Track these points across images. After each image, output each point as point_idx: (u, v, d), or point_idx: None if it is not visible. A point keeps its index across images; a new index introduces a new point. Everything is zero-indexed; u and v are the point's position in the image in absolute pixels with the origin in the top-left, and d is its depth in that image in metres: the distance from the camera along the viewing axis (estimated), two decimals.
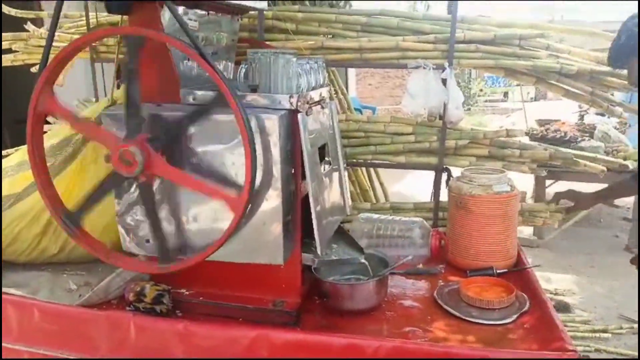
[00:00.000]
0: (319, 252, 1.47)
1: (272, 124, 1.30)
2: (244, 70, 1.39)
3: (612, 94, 2.14)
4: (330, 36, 2.14)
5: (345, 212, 1.85)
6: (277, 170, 1.34)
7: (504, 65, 2.00)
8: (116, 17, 2.29)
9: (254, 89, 1.42)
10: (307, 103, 1.42)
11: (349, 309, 1.51)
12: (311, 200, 1.43)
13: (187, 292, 1.55)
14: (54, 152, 1.64)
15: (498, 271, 1.71)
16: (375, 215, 2.03)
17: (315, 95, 1.52)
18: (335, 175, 1.74)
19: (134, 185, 1.40)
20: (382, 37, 2.07)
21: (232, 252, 1.38)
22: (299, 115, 1.38)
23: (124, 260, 1.40)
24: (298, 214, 1.47)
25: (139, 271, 1.44)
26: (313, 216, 1.44)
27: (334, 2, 3.00)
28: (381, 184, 3.15)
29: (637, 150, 3.80)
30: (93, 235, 1.40)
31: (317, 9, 2.19)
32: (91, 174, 1.67)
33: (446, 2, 2.19)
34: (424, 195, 2.59)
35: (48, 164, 1.37)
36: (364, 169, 2.88)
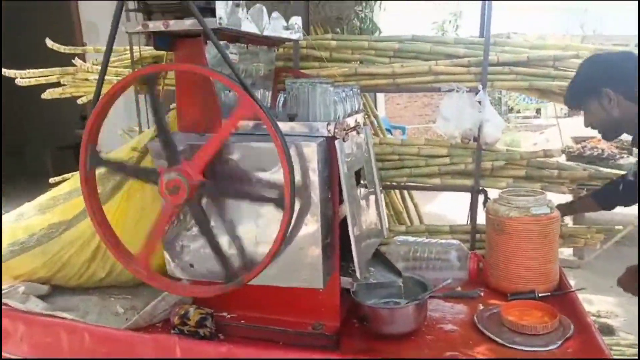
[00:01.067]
0: (358, 275, 1.49)
1: (311, 151, 1.34)
2: (282, 99, 1.44)
3: None
4: (359, 63, 2.19)
5: (383, 234, 1.87)
6: (315, 195, 1.37)
7: (538, 86, 2.00)
8: (161, 52, 2.41)
9: (292, 118, 1.47)
10: (344, 129, 1.46)
11: (389, 333, 1.51)
12: (349, 223, 1.46)
13: (229, 316, 1.59)
14: (102, 179, 1.72)
15: (540, 294, 1.69)
16: (412, 238, 2.03)
17: (351, 121, 1.56)
18: (372, 198, 1.76)
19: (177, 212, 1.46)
20: (414, 62, 2.10)
21: (272, 276, 1.41)
22: (337, 142, 1.41)
23: (177, 286, 1.44)
24: (336, 238, 1.49)
25: (200, 295, 1.48)
26: (352, 239, 1.46)
27: (364, 28, 3.07)
28: (415, 205, 3.15)
29: None
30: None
31: (350, 37, 2.24)
32: (136, 201, 1.75)
33: (477, 20, 2.21)
34: (457, 214, 2.58)
35: (98, 191, 1.44)
36: (397, 191, 2.89)
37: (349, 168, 1.51)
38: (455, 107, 1.98)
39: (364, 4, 3.35)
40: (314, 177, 1.36)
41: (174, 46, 1.46)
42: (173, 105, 1.93)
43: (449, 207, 4.34)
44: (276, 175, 1.34)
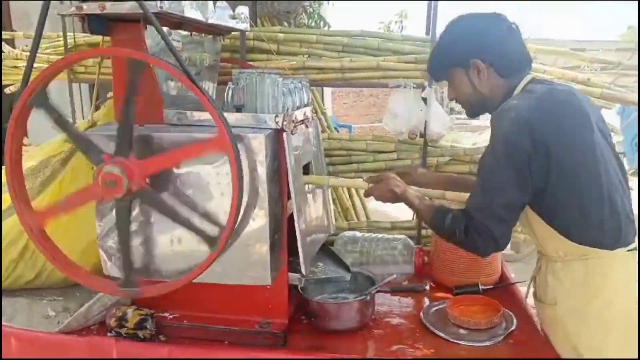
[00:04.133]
0: (303, 271, 1.47)
1: (259, 143, 1.30)
2: (230, 90, 1.39)
3: None
4: (307, 56, 2.16)
5: (329, 230, 1.85)
6: (263, 189, 1.33)
7: None
8: (96, 38, 2.28)
9: (238, 109, 1.42)
10: (293, 122, 1.42)
11: (337, 329, 1.50)
12: (296, 218, 1.43)
13: (171, 316, 1.52)
14: (32, 174, 1.60)
15: (483, 287, 1.73)
16: (359, 233, 2.03)
17: (299, 114, 1.53)
18: (319, 193, 1.74)
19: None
20: (363, 57, 2.09)
21: (217, 274, 1.35)
22: (284, 135, 1.38)
23: (108, 285, 1.35)
24: (284, 233, 1.46)
25: (125, 296, 1.40)
26: (298, 235, 1.43)
27: (311, 24, 3.04)
28: (361, 200, 3.16)
29: None
30: (71, 257, 1.36)
31: (298, 30, 2.20)
32: (83, 180, 1.63)
33: (421, 22, 2.24)
34: (401, 211, 2.60)
35: (27, 186, 1.34)
36: (345, 187, 2.88)
37: (297, 161, 1.48)
38: (403, 104, 1.99)
39: None
40: (262, 170, 1.32)
41: (111, 31, 1.37)
42: (110, 95, 1.83)
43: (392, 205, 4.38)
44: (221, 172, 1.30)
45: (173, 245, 1.39)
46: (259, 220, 1.34)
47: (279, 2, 3.01)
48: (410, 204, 1.47)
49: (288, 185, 1.41)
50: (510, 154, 1.23)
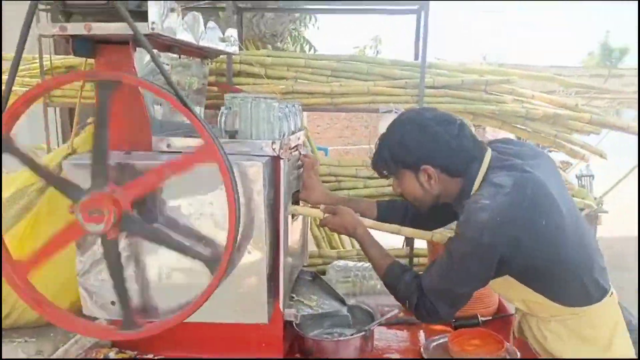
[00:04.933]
0: (281, 306, 1.38)
1: (257, 171, 1.22)
2: (224, 115, 1.32)
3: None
4: (295, 80, 2.11)
5: (304, 260, 1.78)
6: (260, 220, 1.25)
7: (471, 110, 2.03)
8: (74, 60, 2.18)
9: (232, 135, 1.35)
10: (289, 149, 1.36)
11: None
12: (281, 250, 1.36)
13: (156, 358, 1.41)
14: (6, 204, 1.47)
15: (482, 319, 1.67)
16: (351, 263, 1.97)
17: (294, 140, 1.47)
18: (299, 221, 1.66)
19: (99, 242, 1.27)
20: (353, 82, 2.06)
21: (210, 312, 1.25)
22: (282, 162, 1.31)
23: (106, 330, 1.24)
24: (278, 266, 1.37)
25: (110, 339, 1.28)
26: (281, 269, 1.36)
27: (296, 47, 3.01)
28: None
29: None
30: (47, 296, 1.24)
31: (286, 53, 2.16)
32: (46, 227, 1.51)
33: (395, 47, 2.22)
34: (387, 238, 2.54)
35: None
36: None
37: (289, 190, 1.41)
38: None
39: (298, 22, 3.30)
40: (259, 200, 1.24)
41: (97, 52, 1.29)
42: (90, 120, 1.73)
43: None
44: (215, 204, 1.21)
45: (168, 279, 1.29)
46: (256, 253, 1.26)
47: (265, 24, 2.98)
48: (362, 246, 1.47)
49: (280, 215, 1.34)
50: (481, 255, 1.23)
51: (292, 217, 1.49)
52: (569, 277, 1.28)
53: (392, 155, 1.35)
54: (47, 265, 1.25)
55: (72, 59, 2.21)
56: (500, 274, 1.27)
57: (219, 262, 1.14)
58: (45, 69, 2.09)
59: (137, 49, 1.27)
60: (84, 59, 1.41)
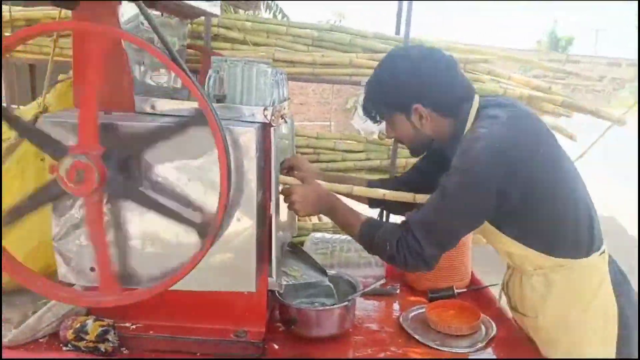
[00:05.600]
0: (274, 276, 1.37)
1: (249, 137, 1.19)
2: (212, 79, 1.26)
3: None
4: (275, 48, 2.05)
5: (294, 231, 1.77)
6: (251, 188, 1.22)
7: None
8: (35, 13, 2.04)
9: (220, 100, 1.30)
10: (280, 116, 1.33)
11: (318, 336, 1.42)
12: (273, 221, 1.33)
13: (134, 326, 1.37)
14: None
15: (457, 291, 1.72)
16: (329, 235, 1.97)
17: (282, 108, 1.43)
18: None
19: (77, 205, 1.21)
20: (335, 52, 2.03)
21: (196, 280, 1.21)
22: (272, 130, 1.28)
23: (70, 293, 1.18)
24: (266, 236, 1.35)
25: (95, 305, 1.23)
26: (273, 238, 1.34)
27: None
28: None
29: None
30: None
31: (268, 19, 2.10)
32: (14, 190, 1.42)
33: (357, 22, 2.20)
34: (363, 211, 2.56)
35: None
36: None
37: (277, 159, 1.39)
38: None
39: None
40: (250, 167, 1.21)
41: (79, 4, 1.20)
42: (62, 76, 1.63)
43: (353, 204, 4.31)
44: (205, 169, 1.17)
45: (152, 246, 1.23)
46: (245, 221, 1.23)
47: None
48: (336, 213, 1.40)
49: (271, 184, 1.32)
50: (477, 185, 1.20)
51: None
52: (561, 220, 1.26)
53: (382, 96, 1.33)
54: (16, 229, 1.18)
55: (32, 12, 2.07)
56: (496, 213, 1.23)
57: (209, 227, 1.10)
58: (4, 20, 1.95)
59: (122, 2, 1.20)
60: (53, 11, 1.33)
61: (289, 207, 1.40)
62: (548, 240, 1.28)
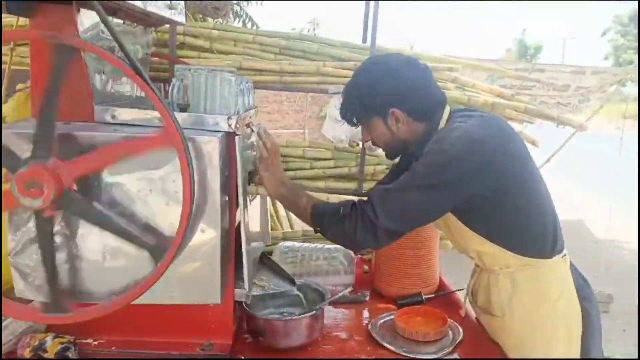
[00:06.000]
0: (246, 287, 1.36)
1: (213, 146, 1.17)
2: (176, 87, 1.25)
3: None
4: (242, 56, 2.04)
5: (266, 240, 1.76)
6: (214, 198, 1.20)
7: None
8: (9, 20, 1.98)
9: (183, 109, 1.29)
10: (245, 125, 1.32)
11: (286, 346, 1.41)
12: (242, 230, 1.32)
13: (96, 342, 1.34)
14: None
15: (425, 297, 1.73)
16: (298, 243, 1.96)
17: (247, 117, 1.42)
18: (257, 201, 1.63)
19: (33, 219, 1.17)
20: (302, 61, 2.03)
21: (159, 293, 1.19)
22: (237, 139, 1.27)
23: (29, 311, 1.14)
24: (232, 245, 1.34)
25: (48, 322, 1.19)
26: (243, 248, 1.32)
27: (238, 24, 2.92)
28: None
29: None
30: None
31: (234, 27, 2.09)
32: None
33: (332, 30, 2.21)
34: None
35: None
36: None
37: (244, 168, 1.37)
38: None
39: None
40: (213, 177, 1.19)
41: (35, 11, 1.17)
42: (20, 86, 1.59)
43: None
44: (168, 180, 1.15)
45: (106, 262, 1.20)
46: (210, 232, 1.21)
47: None
48: (290, 196, 1.40)
49: (237, 193, 1.31)
50: (450, 166, 1.21)
51: (252, 197, 1.46)
52: (529, 219, 1.31)
53: (360, 101, 1.35)
54: None
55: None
56: (468, 210, 1.27)
57: (163, 252, 1.07)
58: None
59: (81, 10, 1.17)
60: (12, 18, 1.29)
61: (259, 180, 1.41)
62: (516, 238, 1.32)
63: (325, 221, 1.33)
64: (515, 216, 1.31)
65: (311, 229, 1.40)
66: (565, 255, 1.39)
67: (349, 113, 1.41)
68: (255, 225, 1.57)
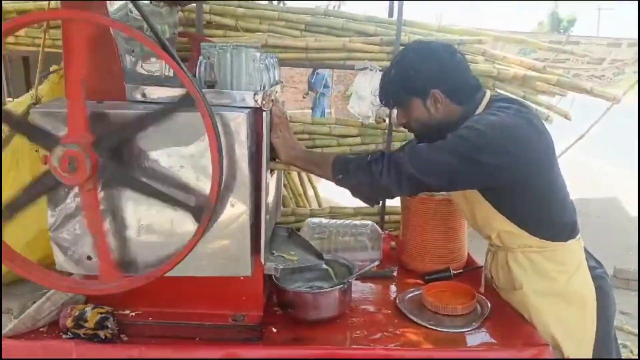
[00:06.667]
0: (262, 260, 1.38)
1: (240, 122, 1.19)
2: (203, 65, 1.26)
3: None
4: (267, 34, 2.04)
5: (278, 216, 1.78)
6: (243, 173, 1.23)
7: None
8: (26, 5, 2.03)
9: (210, 85, 1.30)
10: (271, 101, 1.33)
11: (315, 319, 1.43)
12: (262, 204, 1.34)
13: (133, 314, 1.39)
14: None
15: (454, 272, 1.73)
16: (325, 220, 1.98)
17: (273, 92, 1.43)
18: (275, 177, 1.65)
19: (72, 194, 1.22)
20: (328, 37, 2.02)
21: (192, 266, 1.24)
22: (264, 114, 1.28)
23: (66, 282, 1.19)
24: (260, 220, 1.36)
25: (94, 293, 1.24)
26: (262, 221, 1.34)
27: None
28: (313, 188, 3.10)
29: None
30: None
31: (258, 4, 2.09)
32: (10, 181, 1.44)
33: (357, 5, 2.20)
34: (346, 198, 2.56)
35: None
36: (296, 173, 2.81)
37: (266, 145, 1.39)
38: (369, 86, 1.94)
39: None
40: (241, 152, 1.21)
41: None
42: (54, 67, 1.64)
43: (333, 190, 4.24)
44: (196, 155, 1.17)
45: (147, 232, 1.24)
46: (239, 206, 1.24)
47: None
48: (304, 155, 1.45)
49: (264, 168, 1.33)
50: (479, 142, 1.27)
51: (270, 173, 1.48)
52: (551, 207, 1.40)
53: (403, 83, 1.40)
54: (14, 221, 1.19)
55: (24, 4, 2.06)
56: (496, 191, 1.35)
57: (204, 211, 1.11)
58: None
59: None
60: (44, 1, 1.32)
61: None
62: (538, 223, 1.41)
63: (351, 167, 1.37)
64: (539, 203, 1.38)
65: (339, 205, 1.44)
66: (579, 238, 1.47)
67: (389, 95, 1.46)
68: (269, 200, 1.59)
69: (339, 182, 1.40)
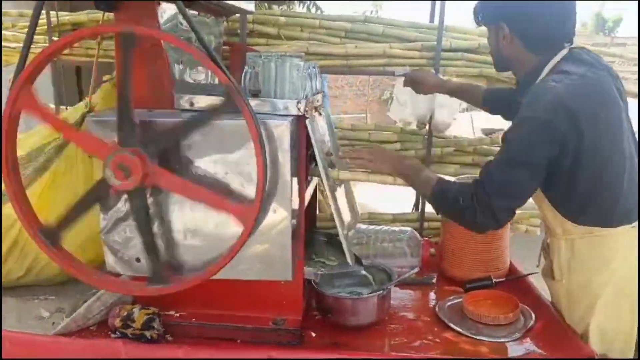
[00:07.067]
0: (349, 262, 1.44)
1: (283, 130, 1.22)
2: (248, 74, 1.30)
3: None
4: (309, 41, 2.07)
5: (358, 219, 1.80)
6: (286, 179, 1.25)
7: (487, 73, 2.02)
8: (80, 17, 2.13)
9: (255, 94, 1.34)
10: (313, 108, 1.35)
11: (354, 324, 1.44)
12: (333, 209, 1.41)
13: (178, 315, 1.43)
14: (23, 163, 1.46)
15: (495, 280, 1.70)
16: (364, 226, 1.98)
17: (316, 100, 1.46)
18: (344, 182, 1.67)
19: (122, 199, 1.27)
20: (368, 43, 2.03)
21: (235, 269, 1.27)
22: (307, 122, 1.31)
23: (117, 283, 1.25)
24: (302, 225, 1.39)
25: (142, 294, 1.29)
26: (338, 225, 1.41)
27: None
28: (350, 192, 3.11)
29: None
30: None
31: (300, 13, 2.13)
32: (64, 186, 1.51)
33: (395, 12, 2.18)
34: (397, 201, 2.55)
35: None
36: None
37: (321, 150, 1.42)
38: (410, 92, 1.94)
39: None
40: (284, 159, 1.24)
41: (120, 6, 1.25)
42: (106, 77, 1.71)
43: (368, 197, 4.18)
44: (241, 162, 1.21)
45: (193, 236, 1.29)
46: (281, 212, 1.26)
47: None
48: (410, 176, 1.46)
49: (306, 175, 1.35)
50: (540, 133, 1.24)
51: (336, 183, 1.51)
52: (598, 190, 1.30)
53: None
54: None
55: (78, 16, 2.16)
56: (559, 163, 1.26)
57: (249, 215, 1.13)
58: (52, 25, 2.05)
59: (161, 3, 1.25)
60: (100, 14, 1.39)
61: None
62: (579, 208, 1.32)
63: (446, 207, 1.41)
64: (584, 187, 1.29)
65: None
66: (635, 226, 1.33)
67: (478, 10, 1.44)
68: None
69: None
